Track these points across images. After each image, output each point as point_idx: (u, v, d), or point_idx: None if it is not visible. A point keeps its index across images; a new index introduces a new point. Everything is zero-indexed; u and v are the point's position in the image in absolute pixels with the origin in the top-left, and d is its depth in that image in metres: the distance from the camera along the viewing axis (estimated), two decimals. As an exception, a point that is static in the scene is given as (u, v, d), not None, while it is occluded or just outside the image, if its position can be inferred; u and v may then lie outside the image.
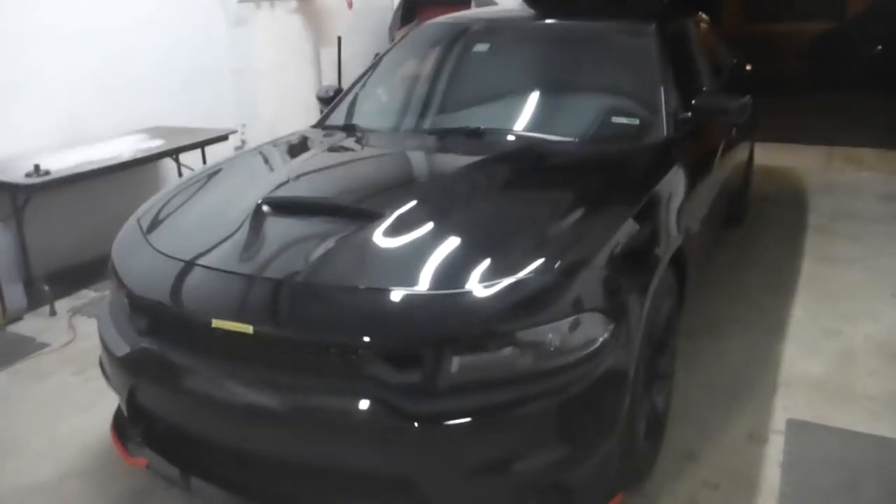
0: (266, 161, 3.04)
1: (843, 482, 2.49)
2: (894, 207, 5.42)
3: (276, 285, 2.06)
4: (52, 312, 3.90)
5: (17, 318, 3.84)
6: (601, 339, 2.00)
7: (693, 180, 2.94)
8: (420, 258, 2.10)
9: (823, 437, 2.74)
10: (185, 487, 2.24)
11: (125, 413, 2.39)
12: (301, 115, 5.42)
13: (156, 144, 4.41)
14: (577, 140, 2.90)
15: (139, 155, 4.16)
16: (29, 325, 3.81)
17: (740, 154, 4.39)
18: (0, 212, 3.88)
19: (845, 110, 8.28)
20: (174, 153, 4.43)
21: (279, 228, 2.32)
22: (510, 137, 2.93)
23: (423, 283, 1.99)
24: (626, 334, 2.08)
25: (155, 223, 2.54)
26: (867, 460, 2.61)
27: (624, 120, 2.99)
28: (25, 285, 3.91)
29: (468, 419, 1.89)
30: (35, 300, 3.94)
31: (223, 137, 4.70)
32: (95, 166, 3.89)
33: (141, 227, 2.53)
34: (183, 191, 2.76)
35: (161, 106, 4.99)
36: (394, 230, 2.20)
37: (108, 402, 2.59)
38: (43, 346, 3.59)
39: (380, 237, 2.19)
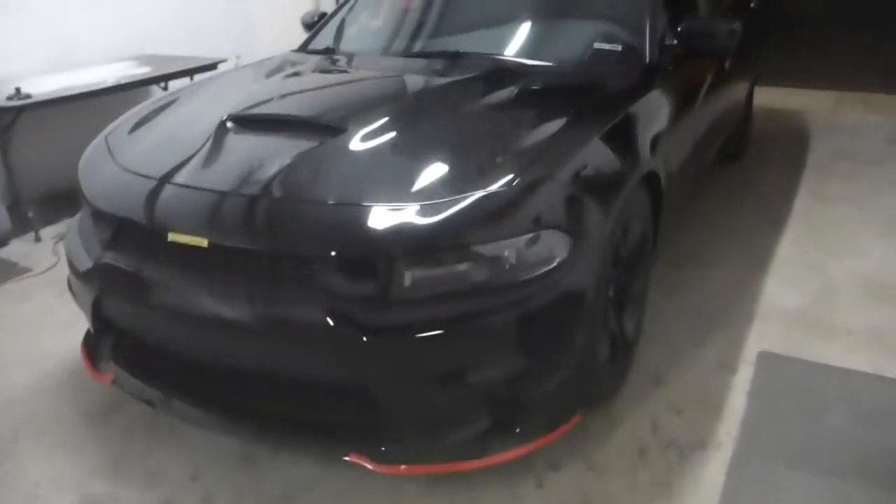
0: (239, 81, 3.00)
1: (808, 411, 2.48)
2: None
3: (232, 198, 2.04)
4: (37, 238, 3.93)
5: (2, 243, 3.85)
6: (559, 258, 1.98)
7: (677, 108, 2.88)
8: (378, 172, 2.09)
9: (794, 369, 2.73)
10: (152, 403, 2.27)
11: (91, 329, 2.42)
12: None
13: (143, 71, 4.38)
14: (556, 65, 2.83)
15: (124, 81, 4.13)
16: (14, 251, 3.82)
17: (737, 91, 4.30)
18: (-16, 135, 3.89)
19: (868, 53, 8.03)
20: (161, 80, 4.39)
21: (240, 144, 2.29)
22: (489, 62, 2.87)
23: (379, 197, 1.96)
24: (585, 254, 2.05)
25: (121, 140, 2.52)
26: (835, 391, 2.60)
27: (606, 45, 2.91)
28: (10, 210, 3.90)
29: (421, 332, 1.89)
30: (20, 226, 3.95)
31: (212, 66, 4.64)
32: (78, 91, 3.86)
33: (108, 143, 2.52)
34: (153, 110, 2.73)
35: (154, 34, 4.93)
36: (355, 145, 2.18)
37: (86, 322, 2.60)
38: (26, 270, 3.62)
39: (340, 151, 2.16)
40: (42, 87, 3.83)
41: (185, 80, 4.55)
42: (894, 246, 3.72)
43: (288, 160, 2.11)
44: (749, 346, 2.86)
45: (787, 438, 2.36)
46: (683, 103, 2.99)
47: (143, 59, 4.68)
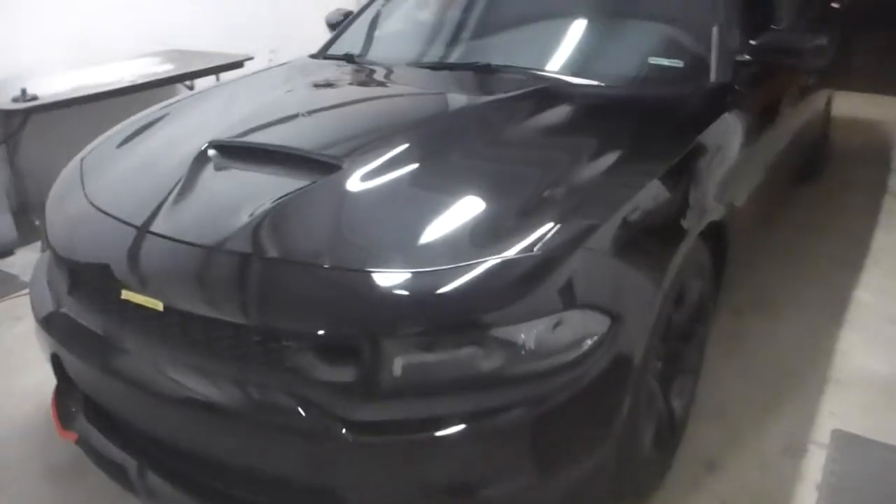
0: (237, 94, 2.64)
1: (896, 516, 2.05)
2: None
3: (195, 253, 1.70)
4: (44, 248, 3.67)
5: (7, 252, 3.62)
6: (592, 341, 1.59)
7: (750, 137, 2.44)
8: (368, 227, 1.72)
9: (876, 456, 2.27)
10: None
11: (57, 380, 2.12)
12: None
13: (165, 69, 4.09)
14: (604, 84, 2.41)
15: (141, 80, 3.84)
16: (18, 261, 3.59)
17: (816, 102, 3.79)
18: (-9, 138, 3.65)
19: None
20: (183, 79, 4.09)
21: (217, 180, 1.94)
22: (525, 77, 2.45)
23: (366, 259, 1.60)
24: (628, 333, 1.66)
25: (97, 165, 2.21)
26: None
27: (664, 61, 2.47)
28: (16, 217, 3.67)
29: (414, 431, 1.53)
30: (27, 234, 3.71)
31: (238, 64, 4.33)
32: (90, 92, 3.59)
33: (82, 169, 2.21)
34: (142, 126, 2.41)
35: (183, 28, 4.64)
36: (348, 188, 1.81)
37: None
38: (26, 285, 3.37)
39: (328, 197, 1.80)
40: (53, 86, 3.57)
41: (212, 80, 4.26)
42: None
43: (266, 206, 1.75)
44: (821, 423, 2.41)
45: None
46: (757, 130, 2.54)
47: (169, 55, 4.41)
